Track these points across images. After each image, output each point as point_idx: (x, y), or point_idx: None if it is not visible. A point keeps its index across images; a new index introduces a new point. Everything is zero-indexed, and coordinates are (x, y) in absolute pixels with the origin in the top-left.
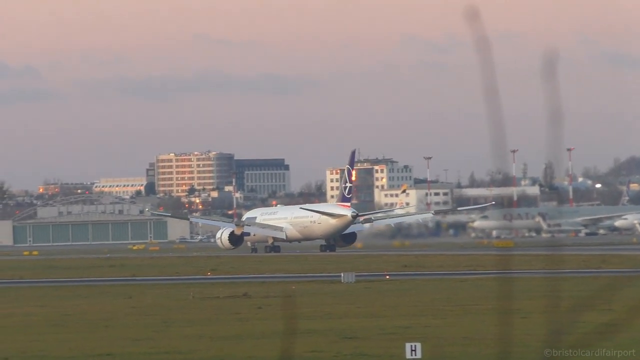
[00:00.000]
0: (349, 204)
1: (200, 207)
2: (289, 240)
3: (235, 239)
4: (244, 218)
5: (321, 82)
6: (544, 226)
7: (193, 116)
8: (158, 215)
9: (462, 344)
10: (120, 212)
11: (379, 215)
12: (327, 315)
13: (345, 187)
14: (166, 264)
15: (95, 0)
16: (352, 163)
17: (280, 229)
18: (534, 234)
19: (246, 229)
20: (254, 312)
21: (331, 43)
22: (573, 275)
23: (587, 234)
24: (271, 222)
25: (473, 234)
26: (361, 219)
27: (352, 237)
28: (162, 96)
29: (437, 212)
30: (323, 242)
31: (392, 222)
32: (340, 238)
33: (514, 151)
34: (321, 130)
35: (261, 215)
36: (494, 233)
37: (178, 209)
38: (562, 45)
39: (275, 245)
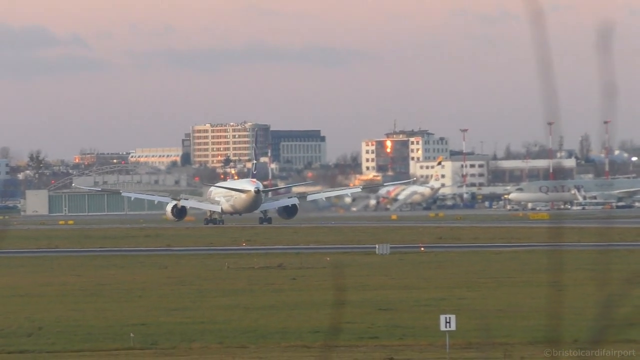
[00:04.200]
0: (255, 180)
1: (236, 177)
2: (224, 213)
3: (178, 212)
4: (209, 191)
5: (366, 54)
6: (580, 199)
7: (233, 87)
8: (89, 190)
9: (496, 316)
10: (156, 182)
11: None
12: (361, 286)
13: (253, 164)
14: (201, 234)
15: None
16: (256, 142)
17: (218, 202)
18: (569, 207)
19: (184, 203)
20: (289, 283)
21: (378, 15)
22: (615, 248)
23: (618, 207)
24: (216, 197)
25: (508, 206)
26: (269, 194)
27: (294, 209)
28: (209, 67)
29: (364, 188)
30: (261, 215)
31: (323, 196)
32: (283, 210)
33: (550, 123)
34: (358, 101)
35: (214, 189)
36: (529, 205)
37: (213, 179)
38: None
39: (214, 218)
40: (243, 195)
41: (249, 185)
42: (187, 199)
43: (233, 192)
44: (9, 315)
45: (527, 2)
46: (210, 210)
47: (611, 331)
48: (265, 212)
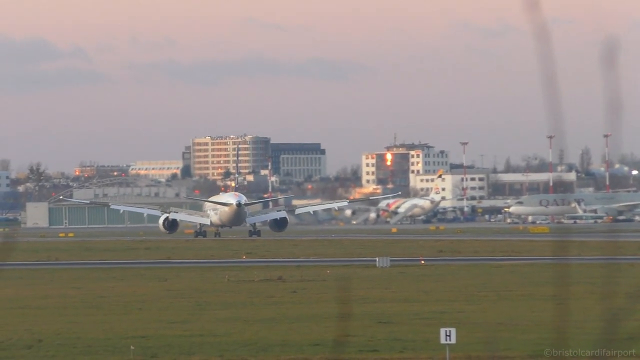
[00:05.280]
0: (238, 193)
1: None
2: (213, 225)
3: (169, 225)
4: (204, 204)
5: (366, 67)
6: (580, 212)
7: (233, 100)
8: (78, 202)
9: (496, 330)
10: (156, 194)
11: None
12: (362, 299)
13: (236, 178)
14: (201, 247)
15: None
16: (238, 157)
17: (207, 215)
18: (562, 221)
19: (174, 216)
20: (289, 296)
21: (379, 28)
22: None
23: (618, 220)
24: (208, 210)
25: (509, 220)
26: (249, 207)
27: (283, 222)
28: (209, 80)
29: (351, 202)
30: (250, 228)
31: (310, 209)
32: (274, 223)
33: (550, 137)
34: (358, 114)
35: (207, 202)
36: (530, 218)
37: (214, 192)
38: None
39: (203, 231)
40: (226, 209)
41: (232, 198)
42: (176, 212)
43: (218, 205)
44: (8, 328)
45: (531, 16)
46: (200, 223)
47: (614, 345)
48: (254, 224)
